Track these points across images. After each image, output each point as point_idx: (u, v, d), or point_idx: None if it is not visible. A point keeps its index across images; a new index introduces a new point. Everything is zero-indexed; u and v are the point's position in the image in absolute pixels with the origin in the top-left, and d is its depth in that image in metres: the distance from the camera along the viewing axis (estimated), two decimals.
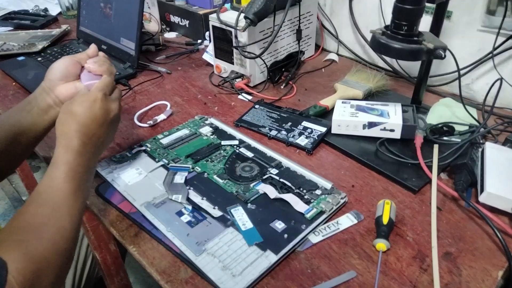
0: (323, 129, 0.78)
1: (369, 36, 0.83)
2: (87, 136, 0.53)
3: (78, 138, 0.52)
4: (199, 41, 1.20)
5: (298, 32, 1.01)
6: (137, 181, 0.66)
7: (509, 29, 0.80)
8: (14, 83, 1.00)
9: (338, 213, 0.61)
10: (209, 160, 0.71)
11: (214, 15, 0.93)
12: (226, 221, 0.58)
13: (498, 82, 0.74)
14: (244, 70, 0.95)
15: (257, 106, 0.87)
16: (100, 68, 0.61)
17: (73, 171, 0.50)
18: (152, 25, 1.26)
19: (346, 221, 0.60)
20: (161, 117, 0.84)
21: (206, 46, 1.13)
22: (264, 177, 0.66)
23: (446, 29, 0.87)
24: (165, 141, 0.76)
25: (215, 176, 0.67)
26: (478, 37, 0.85)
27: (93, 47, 0.65)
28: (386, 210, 0.57)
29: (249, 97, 0.92)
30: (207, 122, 0.82)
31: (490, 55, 0.83)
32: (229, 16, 0.91)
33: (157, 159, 0.71)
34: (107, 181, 0.66)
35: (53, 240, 0.45)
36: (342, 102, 0.81)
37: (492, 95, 0.75)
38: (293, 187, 0.64)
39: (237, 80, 0.96)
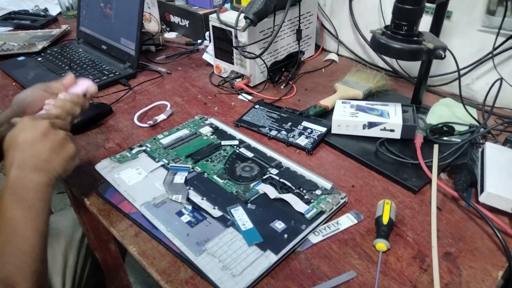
0: (323, 129, 0.78)
1: (369, 36, 0.83)
2: (22, 154, 0.52)
3: (13, 158, 0.51)
4: (199, 41, 1.20)
5: (298, 32, 1.01)
6: (137, 181, 0.66)
7: (509, 29, 0.80)
8: (14, 83, 1.00)
9: (338, 213, 0.61)
10: (209, 160, 0.71)
11: (214, 15, 0.93)
12: (226, 221, 0.58)
13: (498, 82, 0.74)
14: (244, 70, 0.95)
15: (257, 106, 0.87)
16: (56, 111, 0.60)
17: (16, 195, 0.50)
18: (152, 25, 1.26)
19: (346, 221, 0.60)
20: (161, 117, 0.84)
21: (206, 46, 1.13)
22: (264, 177, 0.66)
23: (446, 29, 0.87)
24: (165, 141, 0.76)
25: (215, 176, 0.67)
26: (478, 37, 0.85)
27: (69, 77, 0.64)
28: (386, 210, 0.57)
29: (249, 97, 0.92)
30: (207, 122, 0.82)
31: (490, 55, 0.83)
32: (229, 16, 0.91)
33: (157, 159, 0.71)
34: (107, 181, 0.66)
35: (16, 265, 0.46)
36: (342, 102, 0.81)
37: (492, 95, 0.75)
38: (293, 187, 0.64)
39: (237, 80, 0.96)
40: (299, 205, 0.60)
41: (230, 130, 0.79)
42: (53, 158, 0.54)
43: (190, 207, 0.60)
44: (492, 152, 0.66)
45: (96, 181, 0.67)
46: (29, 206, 0.50)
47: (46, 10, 1.48)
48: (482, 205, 0.59)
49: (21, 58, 1.11)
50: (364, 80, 0.92)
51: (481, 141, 0.70)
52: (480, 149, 0.68)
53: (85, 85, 0.67)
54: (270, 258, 0.52)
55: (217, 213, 0.59)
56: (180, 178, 0.66)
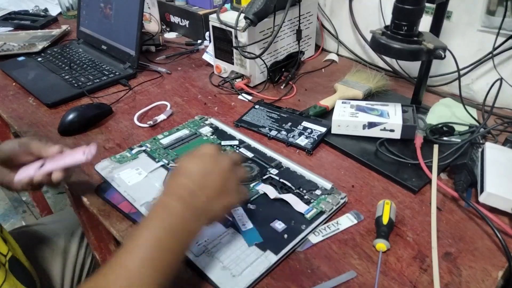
0: (323, 129, 0.78)
1: (369, 36, 0.83)
2: (191, 189, 0.47)
3: (183, 191, 0.47)
4: (199, 41, 1.20)
5: (298, 32, 1.01)
6: (137, 181, 0.66)
7: (509, 29, 0.80)
8: (14, 83, 1.00)
9: (338, 213, 0.61)
10: None
11: (214, 15, 0.93)
12: (226, 221, 0.58)
13: (498, 82, 0.74)
14: (244, 70, 0.95)
15: (257, 106, 0.87)
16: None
17: (170, 226, 0.45)
18: (152, 25, 1.26)
19: (346, 221, 0.60)
20: (161, 117, 0.84)
21: (206, 46, 1.13)
22: (264, 177, 0.66)
23: (446, 29, 0.87)
24: (165, 141, 0.76)
25: None
26: (478, 37, 0.85)
27: (57, 147, 0.59)
28: (386, 210, 0.57)
29: (249, 97, 0.92)
30: (207, 122, 0.82)
31: (490, 55, 0.83)
32: (229, 16, 0.91)
33: (157, 159, 0.71)
34: (107, 181, 0.66)
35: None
36: (342, 102, 0.81)
37: (492, 95, 0.75)
38: (293, 187, 0.64)
39: (237, 80, 0.96)
40: (299, 205, 0.60)
41: (230, 130, 0.79)
42: (219, 204, 0.49)
43: None
44: (492, 152, 0.66)
45: (96, 181, 0.67)
46: (179, 240, 0.46)
47: (46, 10, 1.48)
48: (482, 205, 0.59)
49: (21, 58, 1.11)
50: (364, 80, 0.92)
51: (481, 141, 0.70)
52: (480, 149, 0.68)
53: (75, 159, 0.57)
54: (270, 258, 0.52)
55: None
56: None
